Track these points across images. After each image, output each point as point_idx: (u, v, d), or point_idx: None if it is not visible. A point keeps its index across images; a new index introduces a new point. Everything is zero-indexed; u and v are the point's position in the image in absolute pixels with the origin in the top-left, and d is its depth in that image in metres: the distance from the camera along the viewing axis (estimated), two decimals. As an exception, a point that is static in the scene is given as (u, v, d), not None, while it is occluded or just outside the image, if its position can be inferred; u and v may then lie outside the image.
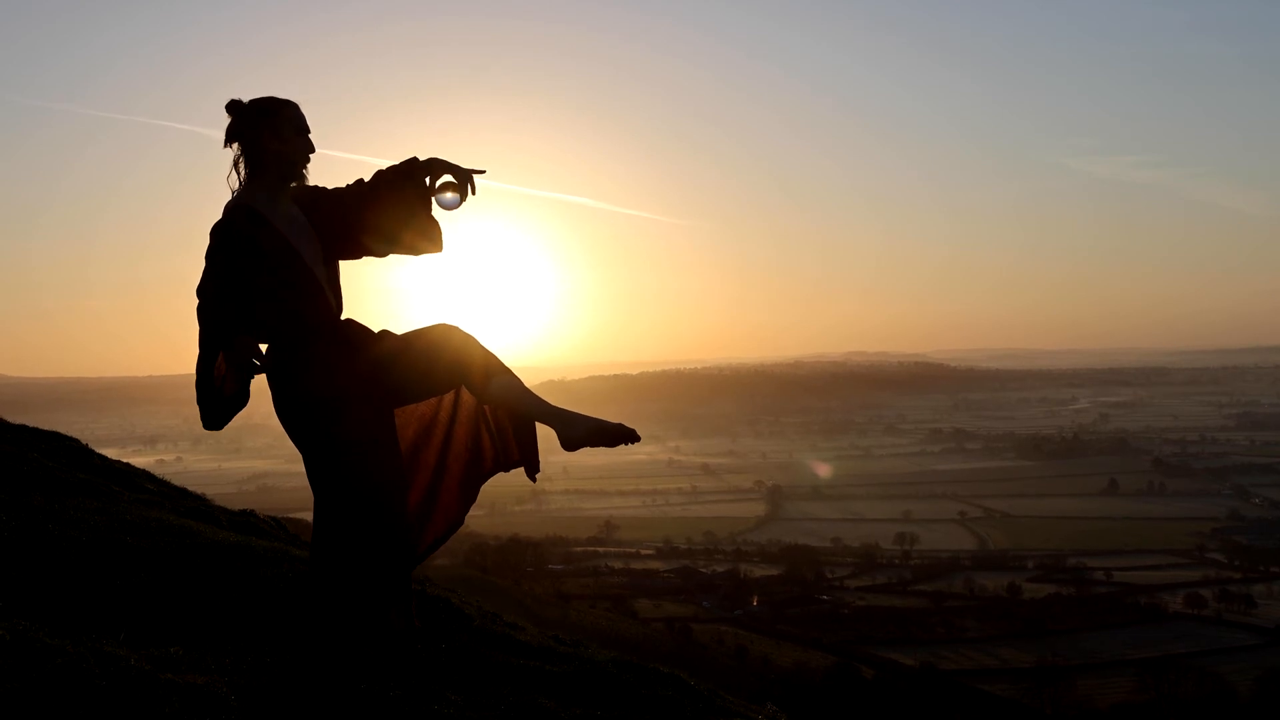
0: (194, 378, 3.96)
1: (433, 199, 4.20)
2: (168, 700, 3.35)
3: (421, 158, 4.18)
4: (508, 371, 4.12)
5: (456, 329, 4.13)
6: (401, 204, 4.23)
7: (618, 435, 4.09)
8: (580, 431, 4.09)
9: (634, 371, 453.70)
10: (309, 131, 4.13)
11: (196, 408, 3.97)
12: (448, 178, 4.17)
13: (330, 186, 4.30)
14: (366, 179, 4.26)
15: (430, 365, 4.09)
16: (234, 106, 4.07)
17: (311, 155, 4.15)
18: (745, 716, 4.98)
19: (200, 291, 3.93)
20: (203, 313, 3.91)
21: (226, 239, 3.95)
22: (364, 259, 4.38)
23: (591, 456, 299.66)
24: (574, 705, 4.33)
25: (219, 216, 3.98)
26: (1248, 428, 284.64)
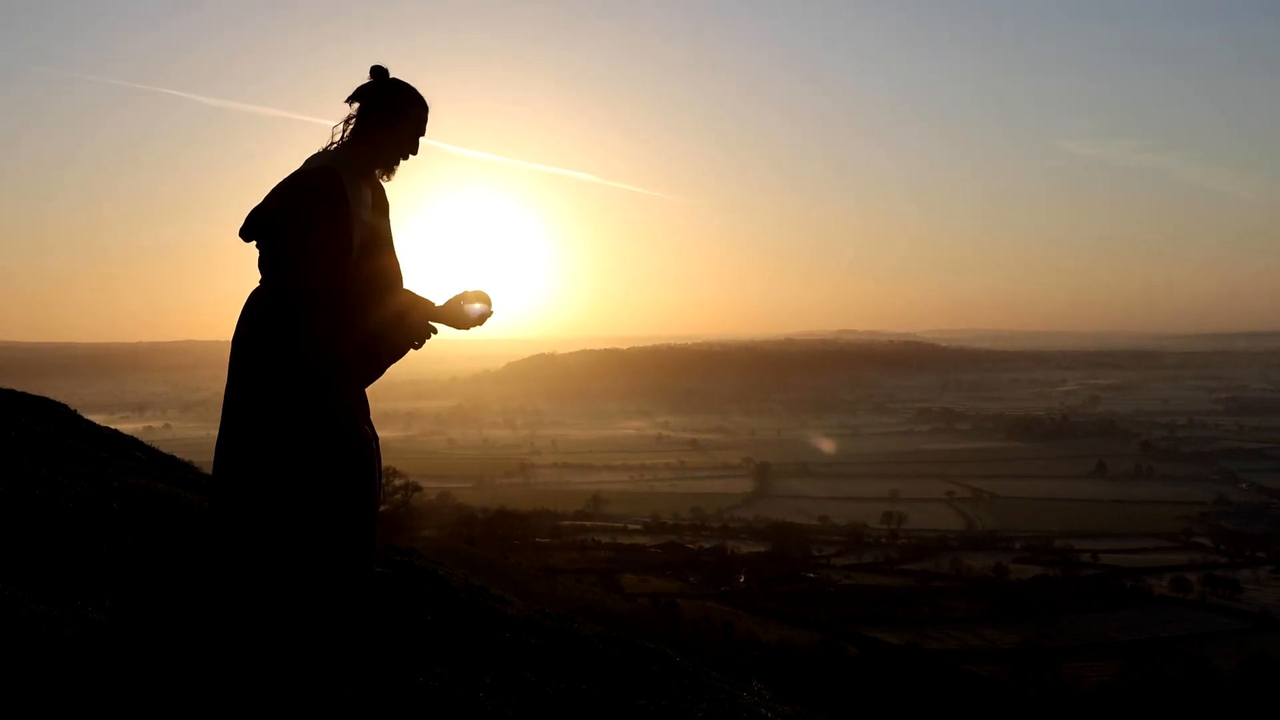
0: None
1: (463, 306, 4.26)
2: (150, 666, 3.34)
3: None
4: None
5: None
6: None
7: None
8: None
9: (624, 346, 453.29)
10: (422, 135, 4.21)
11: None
12: (479, 295, 4.26)
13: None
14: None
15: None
16: (379, 72, 4.14)
17: (412, 157, 4.21)
18: (730, 693, 4.98)
19: (321, 286, 3.94)
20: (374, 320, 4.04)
21: (322, 200, 3.93)
22: None
23: (581, 431, 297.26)
24: (560, 679, 4.33)
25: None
26: (1236, 412, 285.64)
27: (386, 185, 4.28)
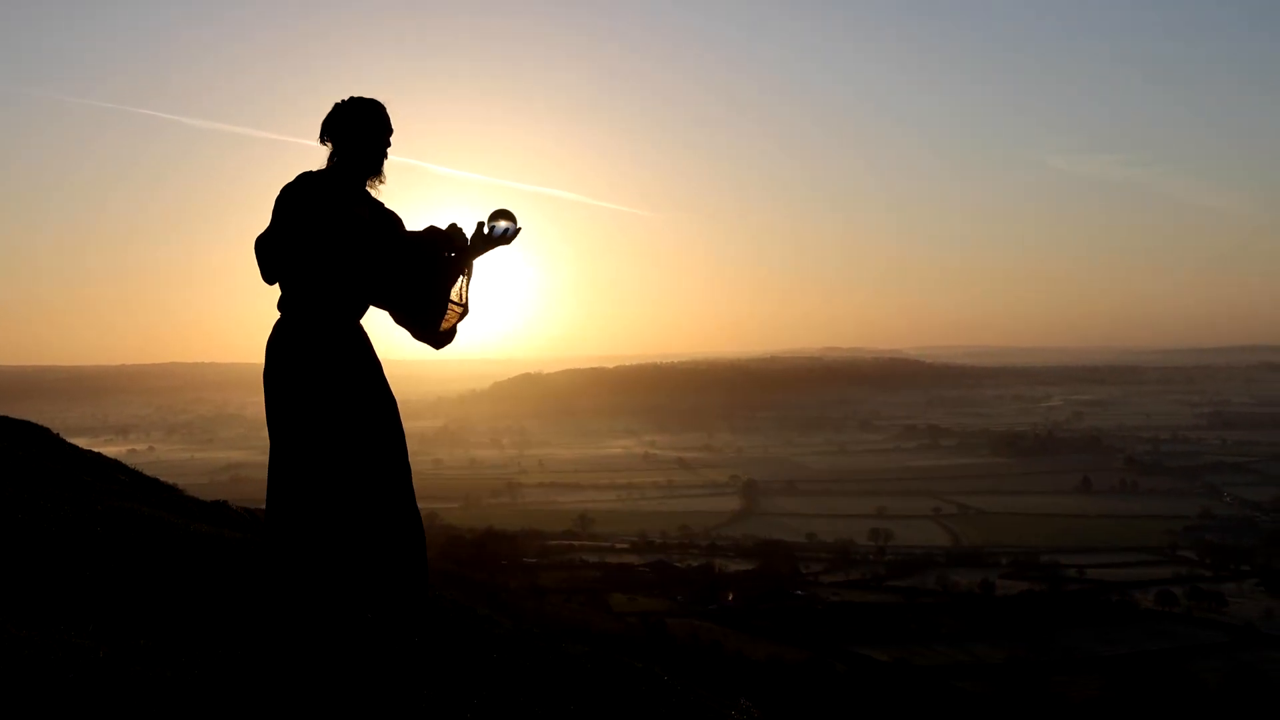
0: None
1: (487, 227, 4.85)
2: (136, 692, 3.32)
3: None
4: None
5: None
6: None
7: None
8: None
9: (610, 365, 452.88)
10: (390, 133, 4.57)
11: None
12: (502, 212, 4.90)
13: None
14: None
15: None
16: (336, 105, 4.53)
17: (387, 153, 4.60)
18: (719, 711, 4.97)
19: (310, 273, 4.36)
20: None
21: (291, 202, 4.36)
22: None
23: (568, 450, 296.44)
24: (548, 700, 4.31)
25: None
26: (1219, 427, 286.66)
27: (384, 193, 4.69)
